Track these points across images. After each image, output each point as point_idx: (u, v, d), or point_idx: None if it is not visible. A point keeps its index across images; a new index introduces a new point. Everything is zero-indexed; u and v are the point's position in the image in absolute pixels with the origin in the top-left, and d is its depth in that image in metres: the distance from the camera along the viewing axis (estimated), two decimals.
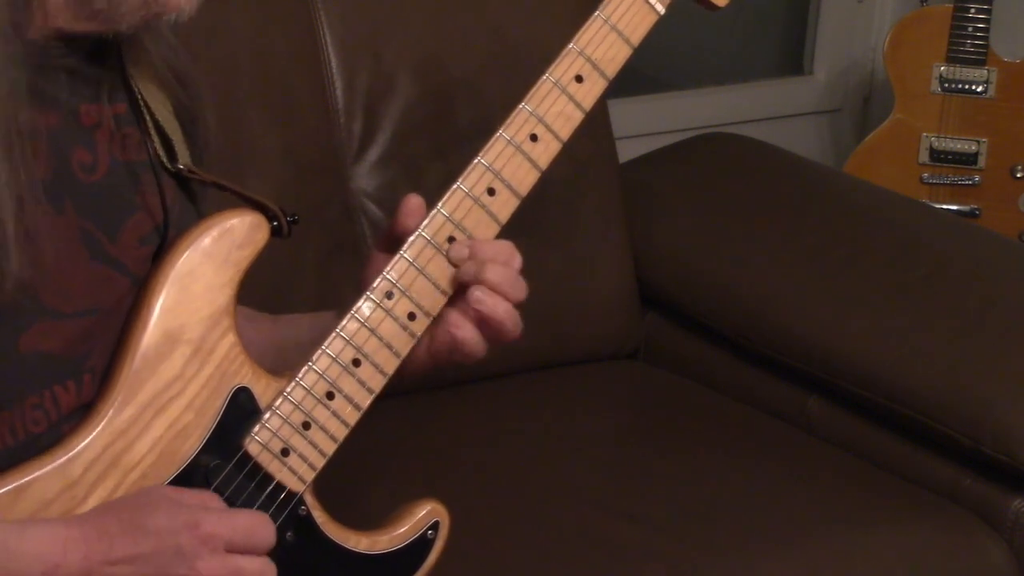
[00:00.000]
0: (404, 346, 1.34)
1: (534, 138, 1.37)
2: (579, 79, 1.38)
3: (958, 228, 2.33)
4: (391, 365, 1.34)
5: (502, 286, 1.34)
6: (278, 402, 1.31)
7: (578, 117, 1.38)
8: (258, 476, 1.30)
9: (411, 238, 1.34)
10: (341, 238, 2.07)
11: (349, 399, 1.33)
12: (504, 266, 1.34)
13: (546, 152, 1.37)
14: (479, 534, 1.70)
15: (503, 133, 1.36)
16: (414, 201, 1.36)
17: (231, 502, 1.29)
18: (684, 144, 2.51)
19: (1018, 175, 2.93)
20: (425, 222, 1.34)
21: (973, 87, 2.92)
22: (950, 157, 2.94)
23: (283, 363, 1.37)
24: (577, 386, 2.20)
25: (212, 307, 1.29)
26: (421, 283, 1.34)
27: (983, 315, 2.05)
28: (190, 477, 1.28)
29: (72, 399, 1.27)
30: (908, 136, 2.95)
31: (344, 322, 1.33)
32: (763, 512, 1.89)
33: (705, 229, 2.32)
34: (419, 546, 1.37)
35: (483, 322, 1.35)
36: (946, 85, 2.92)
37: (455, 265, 1.35)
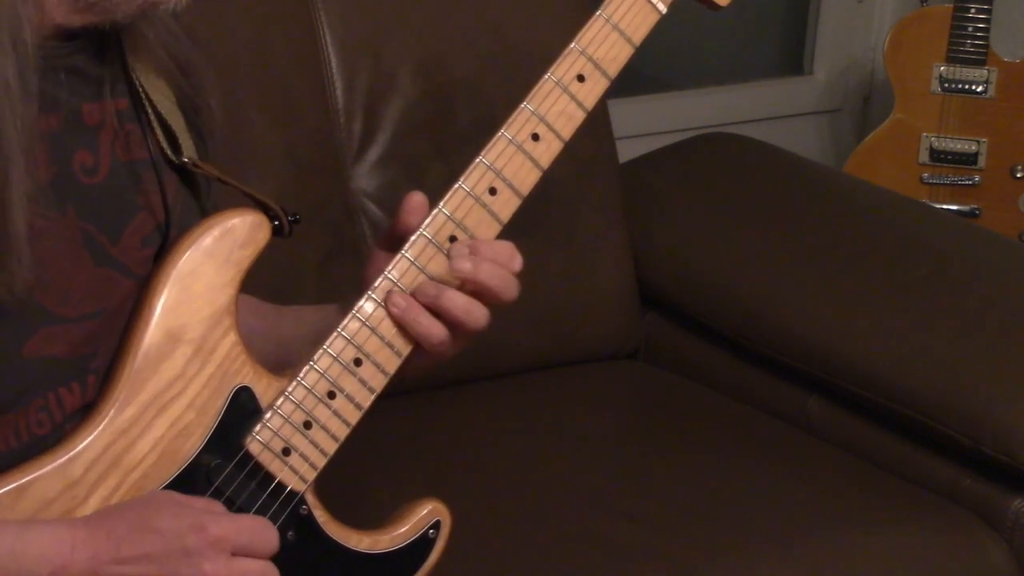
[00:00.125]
0: (405, 346, 1.34)
1: (536, 137, 1.37)
2: (581, 78, 1.38)
3: (958, 228, 2.33)
4: (392, 364, 1.34)
5: (492, 284, 1.32)
6: (279, 401, 1.31)
7: (580, 116, 1.38)
8: (259, 475, 1.30)
9: (413, 237, 1.34)
10: (341, 238, 2.07)
11: (350, 398, 1.33)
12: (495, 263, 1.34)
13: (548, 151, 1.37)
14: (480, 534, 1.70)
15: (505, 132, 1.36)
16: (416, 198, 1.35)
17: (232, 501, 1.29)
18: (684, 144, 2.51)
19: (1018, 175, 2.93)
20: (427, 221, 1.34)
21: (973, 87, 2.92)
22: (950, 157, 2.94)
23: (284, 354, 1.37)
24: (577, 386, 2.20)
25: (213, 306, 1.29)
26: (422, 283, 1.34)
27: (983, 315, 2.05)
28: (191, 476, 1.28)
29: (76, 400, 1.27)
30: (908, 136, 2.95)
31: (346, 321, 1.32)
32: (763, 512, 1.89)
33: (705, 229, 2.31)
34: (420, 545, 1.37)
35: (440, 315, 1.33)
36: (946, 85, 2.92)
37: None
